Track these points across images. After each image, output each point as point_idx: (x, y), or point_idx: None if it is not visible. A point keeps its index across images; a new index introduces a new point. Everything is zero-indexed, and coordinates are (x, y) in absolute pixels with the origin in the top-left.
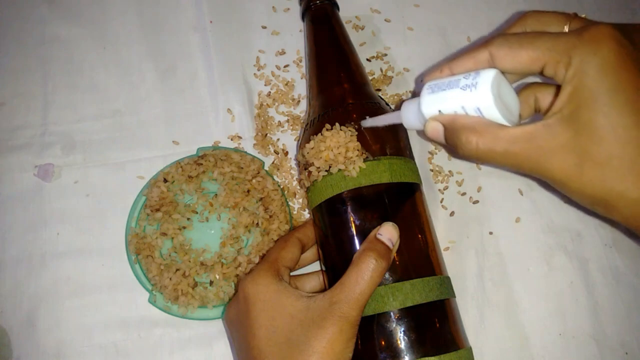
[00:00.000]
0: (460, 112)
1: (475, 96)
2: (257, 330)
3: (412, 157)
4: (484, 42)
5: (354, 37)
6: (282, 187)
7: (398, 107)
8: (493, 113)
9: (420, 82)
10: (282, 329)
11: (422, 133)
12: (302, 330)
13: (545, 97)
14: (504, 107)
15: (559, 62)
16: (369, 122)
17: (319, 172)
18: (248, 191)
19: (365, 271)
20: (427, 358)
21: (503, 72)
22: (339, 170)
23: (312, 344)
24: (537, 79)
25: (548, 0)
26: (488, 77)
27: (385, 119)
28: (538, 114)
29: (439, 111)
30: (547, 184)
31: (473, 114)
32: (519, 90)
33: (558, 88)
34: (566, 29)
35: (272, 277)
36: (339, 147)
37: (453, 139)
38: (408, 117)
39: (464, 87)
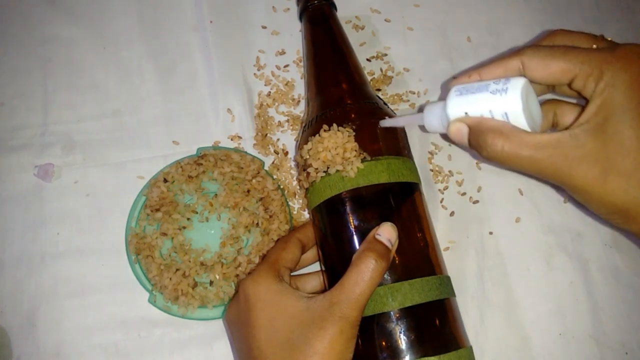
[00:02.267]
0: (487, 115)
1: (505, 101)
2: (258, 330)
3: (411, 157)
4: (515, 52)
5: (354, 37)
6: (282, 187)
7: (420, 110)
8: (520, 119)
9: (446, 86)
10: (283, 330)
11: (444, 135)
12: (302, 330)
13: (564, 113)
14: (529, 115)
15: (590, 75)
16: (388, 122)
17: (317, 173)
18: (248, 191)
19: (365, 272)
20: (427, 358)
21: (531, 82)
22: (337, 171)
23: (312, 344)
24: (554, 96)
25: (548, 2)
26: (519, 83)
27: (407, 119)
28: (554, 129)
29: (465, 113)
30: (547, 185)
31: (499, 119)
32: (540, 104)
33: (577, 106)
34: (594, 48)
35: (272, 277)
36: (337, 147)
37: (478, 141)
38: (431, 118)
39: (493, 92)
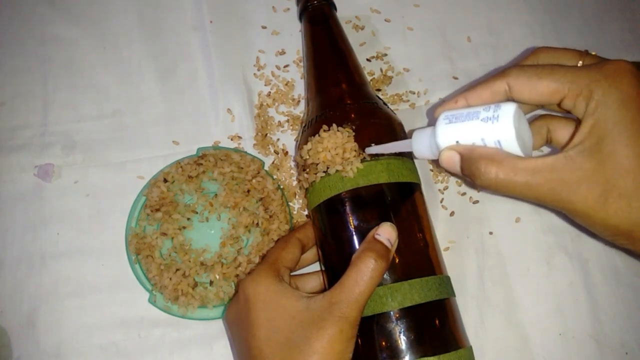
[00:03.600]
0: (479, 143)
1: (497, 129)
2: (257, 330)
3: (410, 157)
4: (500, 73)
5: (354, 37)
6: (282, 187)
7: (409, 136)
8: (513, 146)
9: (432, 113)
10: (282, 330)
11: (434, 162)
12: (302, 330)
13: (557, 128)
14: (522, 140)
15: (579, 94)
16: (374, 149)
17: (316, 174)
18: (248, 191)
19: (365, 271)
20: (427, 358)
21: (519, 103)
22: (337, 171)
23: (312, 344)
24: (542, 111)
25: (548, 2)
26: (510, 110)
27: (393, 146)
28: (549, 145)
29: (457, 142)
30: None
31: (492, 146)
32: (532, 121)
33: (570, 120)
34: (580, 65)
35: (272, 277)
36: (336, 148)
37: (471, 169)
38: (419, 146)
39: (484, 119)
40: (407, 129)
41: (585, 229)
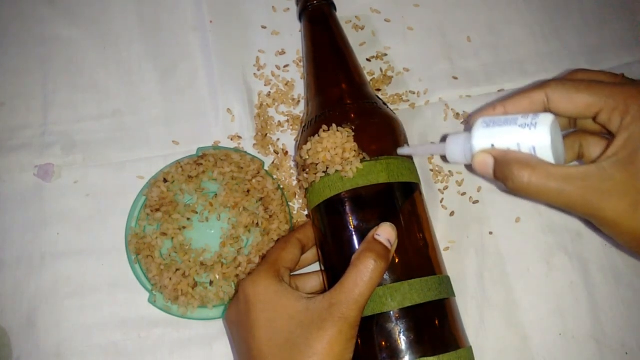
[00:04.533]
0: (514, 148)
1: (534, 135)
2: (257, 331)
3: (410, 158)
4: (540, 84)
5: (354, 37)
6: (282, 187)
7: (442, 140)
8: (547, 154)
9: (467, 120)
10: (282, 330)
11: (468, 166)
12: (302, 331)
13: (589, 145)
14: (556, 151)
15: (616, 109)
16: (407, 150)
17: (316, 174)
18: (248, 191)
19: (365, 272)
20: (426, 358)
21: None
22: (337, 171)
23: (312, 345)
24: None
25: (548, 2)
26: (548, 119)
27: (426, 149)
28: (579, 160)
29: (492, 145)
30: None
31: (526, 152)
32: (565, 136)
33: (602, 138)
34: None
35: (272, 278)
36: (336, 148)
37: (504, 172)
38: (453, 149)
39: (522, 125)
40: (407, 129)
41: (585, 229)
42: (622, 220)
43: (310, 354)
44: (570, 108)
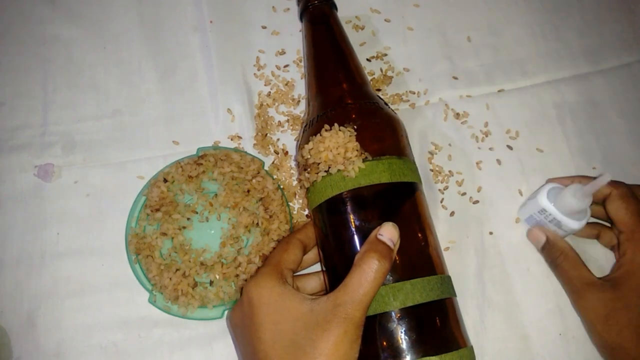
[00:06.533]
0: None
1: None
2: (262, 333)
3: (411, 157)
4: (613, 183)
5: (354, 37)
6: (282, 187)
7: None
8: (554, 212)
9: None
10: (287, 332)
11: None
12: (306, 332)
13: (604, 235)
14: (564, 210)
15: (630, 240)
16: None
17: (318, 173)
18: (248, 191)
19: (369, 272)
20: (428, 357)
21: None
22: (338, 170)
23: (317, 346)
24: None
25: (548, 2)
26: (544, 188)
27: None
28: (595, 237)
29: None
30: None
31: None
32: (589, 223)
33: (613, 231)
34: None
35: (275, 280)
36: (338, 147)
37: (552, 254)
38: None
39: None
40: (407, 129)
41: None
42: (596, 323)
43: (315, 355)
44: (610, 215)
